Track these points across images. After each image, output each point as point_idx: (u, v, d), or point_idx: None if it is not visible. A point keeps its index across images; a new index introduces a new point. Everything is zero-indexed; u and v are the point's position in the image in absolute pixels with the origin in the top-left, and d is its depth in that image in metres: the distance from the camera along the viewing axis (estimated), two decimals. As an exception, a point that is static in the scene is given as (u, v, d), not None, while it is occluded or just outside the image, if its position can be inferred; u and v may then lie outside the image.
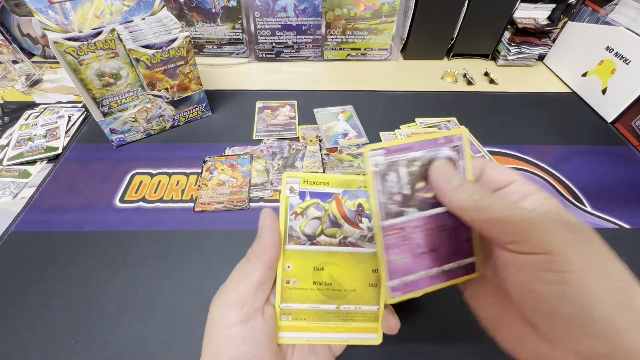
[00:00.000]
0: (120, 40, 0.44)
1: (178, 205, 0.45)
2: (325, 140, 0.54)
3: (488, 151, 0.52)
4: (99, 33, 0.43)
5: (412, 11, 0.67)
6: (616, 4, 0.61)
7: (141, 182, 0.48)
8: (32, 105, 0.60)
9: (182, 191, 0.47)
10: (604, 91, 0.61)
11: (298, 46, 0.72)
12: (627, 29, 0.57)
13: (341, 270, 0.23)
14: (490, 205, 0.17)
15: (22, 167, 0.49)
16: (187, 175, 0.49)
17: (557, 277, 0.15)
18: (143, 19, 0.47)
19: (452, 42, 0.73)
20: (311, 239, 0.22)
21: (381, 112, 0.61)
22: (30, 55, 0.71)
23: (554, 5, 0.68)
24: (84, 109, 0.59)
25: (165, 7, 0.48)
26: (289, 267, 0.22)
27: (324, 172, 0.49)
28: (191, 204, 0.45)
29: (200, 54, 0.74)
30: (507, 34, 0.70)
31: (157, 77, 0.49)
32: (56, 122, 0.55)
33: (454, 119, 0.58)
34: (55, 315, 0.35)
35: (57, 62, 0.67)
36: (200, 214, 0.44)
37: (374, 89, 0.66)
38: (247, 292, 0.21)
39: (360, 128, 0.56)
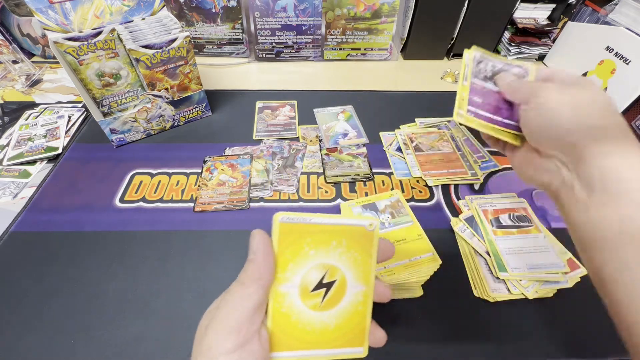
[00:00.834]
0: (120, 40, 0.44)
1: (178, 205, 0.45)
2: (325, 140, 0.54)
3: (488, 151, 0.52)
4: (99, 33, 0.43)
5: (412, 11, 0.67)
6: (616, 4, 0.61)
7: (141, 182, 0.48)
8: (32, 105, 0.60)
9: (182, 191, 0.47)
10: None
11: (298, 46, 0.72)
12: (627, 29, 0.57)
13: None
14: (516, 86, 0.29)
15: (22, 167, 0.49)
16: (187, 175, 0.49)
17: (540, 112, 0.25)
18: (143, 19, 0.47)
19: (452, 42, 0.73)
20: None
21: (381, 112, 0.61)
22: (30, 55, 0.71)
23: (554, 5, 0.68)
24: (84, 109, 0.59)
25: (165, 7, 0.48)
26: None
27: (323, 172, 0.49)
28: (191, 204, 0.45)
29: (200, 54, 0.74)
30: (507, 34, 0.71)
31: (157, 77, 0.49)
32: (56, 122, 0.55)
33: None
34: (55, 315, 0.35)
35: (57, 62, 0.67)
36: (200, 214, 0.44)
37: (374, 89, 0.66)
38: (245, 316, 0.20)
39: (360, 128, 0.56)
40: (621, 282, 0.21)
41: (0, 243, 0.41)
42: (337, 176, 0.49)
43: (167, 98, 0.52)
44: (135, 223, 0.43)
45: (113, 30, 0.44)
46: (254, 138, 0.55)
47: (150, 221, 0.43)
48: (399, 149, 0.53)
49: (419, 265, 0.37)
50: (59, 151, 0.51)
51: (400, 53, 0.76)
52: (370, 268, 0.23)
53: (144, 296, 0.37)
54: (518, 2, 0.66)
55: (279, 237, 0.21)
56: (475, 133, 0.55)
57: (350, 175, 0.49)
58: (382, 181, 0.49)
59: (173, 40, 0.46)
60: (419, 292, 0.37)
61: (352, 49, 0.73)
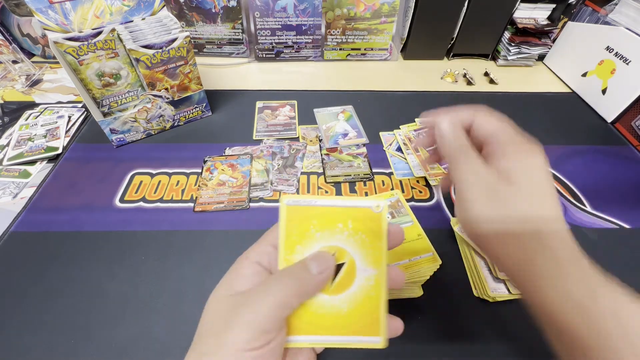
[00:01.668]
0: (120, 40, 0.44)
1: (178, 205, 0.45)
2: (325, 140, 0.54)
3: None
4: (99, 33, 0.43)
5: (412, 11, 0.67)
6: (616, 4, 0.61)
7: (141, 182, 0.48)
8: (32, 105, 0.60)
9: (182, 191, 0.47)
10: (604, 91, 0.61)
11: (298, 46, 0.72)
12: (627, 29, 0.57)
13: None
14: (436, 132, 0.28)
15: (22, 167, 0.49)
16: (187, 175, 0.49)
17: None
18: (143, 19, 0.47)
19: (452, 42, 0.73)
20: None
21: (381, 112, 0.61)
22: (30, 55, 0.71)
23: (554, 5, 0.68)
24: (84, 109, 0.59)
25: (165, 7, 0.48)
26: None
27: (323, 172, 0.49)
28: (191, 204, 0.45)
29: (200, 54, 0.74)
30: (507, 34, 0.70)
31: (157, 77, 0.49)
32: (56, 122, 0.55)
33: (454, 119, 0.58)
34: (55, 315, 0.35)
35: (57, 62, 0.67)
36: (200, 214, 0.44)
37: (374, 89, 0.66)
38: (277, 317, 0.20)
39: (360, 128, 0.56)
40: None
41: (0, 243, 0.41)
42: (337, 176, 0.49)
43: (167, 98, 0.52)
44: (135, 223, 0.43)
45: (113, 30, 0.44)
46: (254, 138, 0.55)
47: (150, 221, 0.43)
48: (399, 149, 0.53)
49: (419, 265, 0.37)
50: (59, 151, 0.51)
51: (400, 53, 0.76)
52: (380, 252, 0.22)
53: (144, 296, 0.37)
54: (518, 2, 0.66)
55: (286, 220, 0.21)
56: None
57: (350, 175, 0.49)
58: (382, 181, 0.49)
59: (173, 40, 0.46)
60: (419, 292, 0.37)
61: (352, 49, 0.73)
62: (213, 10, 0.66)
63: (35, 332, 0.34)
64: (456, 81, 0.70)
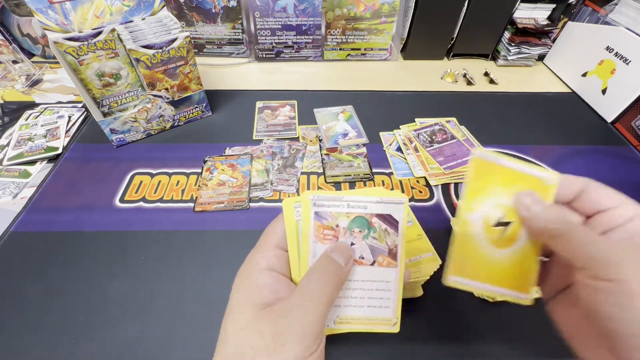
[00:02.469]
0: (120, 40, 0.44)
1: (178, 205, 0.45)
2: (325, 140, 0.54)
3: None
4: (99, 33, 0.43)
5: (412, 11, 0.67)
6: (616, 4, 0.61)
7: (141, 182, 0.48)
8: (32, 105, 0.60)
9: (182, 191, 0.47)
10: (604, 91, 0.61)
11: (298, 46, 0.72)
12: (627, 29, 0.57)
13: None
14: (565, 234, 0.19)
15: (22, 167, 0.49)
16: (187, 175, 0.49)
17: (622, 301, 0.16)
18: (143, 19, 0.47)
19: (452, 42, 0.73)
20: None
21: (381, 112, 0.61)
22: (30, 55, 0.71)
23: (554, 5, 0.68)
24: (84, 109, 0.59)
25: (165, 7, 0.48)
26: None
27: (323, 172, 0.49)
28: (191, 204, 0.45)
29: (200, 54, 0.74)
30: (507, 34, 0.70)
31: (157, 77, 0.49)
32: (56, 122, 0.55)
33: (454, 119, 0.58)
34: (55, 315, 0.35)
35: (57, 62, 0.67)
36: (200, 214, 0.44)
37: (374, 89, 0.66)
38: (324, 320, 0.21)
39: (360, 128, 0.56)
40: None
41: (0, 243, 0.41)
42: (337, 176, 0.49)
43: (167, 98, 0.52)
44: (136, 223, 0.43)
45: (113, 30, 0.44)
46: (254, 138, 0.55)
47: (151, 221, 0.43)
48: (399, 149, 0.53)
49: (419, 265, 0.37)
50: (59, 151, 0.51)
51: (400, 53, 0.76)
52: None
53: (144, 296, 0.37)
54: (518, 2, 0.66)
55: (473, 170, 0.23)
56: (475, 133, 0.55)
57: (350, 175, 0.49)
58: (382, 181, 0.49)
59: (173, 40, 0.46)
60: (419, 292, 0.37)
61: (352, 49, 0.73)
62: (213, 10, 0.66)
63: (35, 332, 0.34)
64: (456, 81, 0.70)
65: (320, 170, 0.50)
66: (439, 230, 0.43)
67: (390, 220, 0.24)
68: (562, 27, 0.69)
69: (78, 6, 0.41)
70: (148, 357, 0.33)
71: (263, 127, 0.56)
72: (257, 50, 0.72)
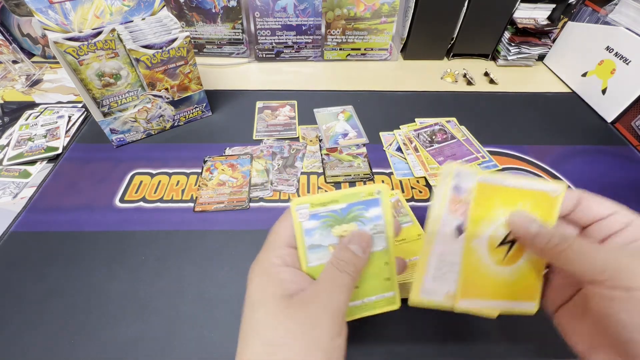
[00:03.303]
0: (120, 40, 0.44)
1: (178, 205, 0.45)
2: (325, 140, 0.54)
3: (488, 151, 0.52)
4: (99, 33, 0.43)
5: (412, 11, 0.67)
6: (616, 4, 0.61)
7: (141, 182, 0.48)
8: (32, 105, 0.60)
9: (182, 191, 0.47)
10: (604, 91, 0.61)
11: (298, 46, 0.72)
12: (627, 29, 0.57)
13: None
14: (567, 250, 0.19)
15: (22, 167, 0.49)
16: (187, 175, 0.49)
17: (637, 307, 0.16)
18: (143, 19, 0.47)
19: (452, 42, 0.73)
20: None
21: (381, 112, 0.61)
22: (30, 55, 0.71)
23: (554, 5, 0.68)
24: (84, 109, 0.59)
25: (165, 7, 0.48)
26: None
27: (323, 172, 0.49)
28: (191, 204, 0.45)
29: (200, 54, 0.74)
30: (507, 34, 0.70)
31: (157, 77, 0.49)
32: (56, 122, 0.55)
33: (454, 119, 0.58)
34: (55, 315, 0.35)
35: (57, 62, 0.67)
36: (200, 214, 0.44)
37: (374, 89, 0.66)
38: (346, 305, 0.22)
39: (360, 128, 0.56)
40: None
41: (0, 243, 0.41)
42: (337, 176, 0.49)
43: (167, 98, 0.52)
44: (136, 223, 0.43)
45: (113, 30, 0.44)
46: (254, 138, 0.55)
47: (151, 221, 0.43)
48: (399, 149, 0.53)
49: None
50: (59, 151, 0.51)
51: (400, 53, 0.76)
52: None
53: (144, 296, 0.37)
54: (518, 2, 0.66)
55: (476, 195, 0.23)
56: (475, 133, 0.55)
57: (350, 175, 0.49)
58: (382, 181, 0.49)
59: (173, 40, 0.46)
60: (419, 292, 0.37)
61: (352, 49, 0.73)
62: (213, 10, 0.66)
63: (35, 332, 0.34)
64: (456, 81, 0.70)
65: (320, 170, 0.50)
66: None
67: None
68: (562, 27, 0.69)
69: (78, 6, 0.41)
70: (148, 357, 0.33)
71: (263, 127, 0.56)
72: (257, 50, 0.72)
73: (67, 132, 0.54)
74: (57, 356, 0.32)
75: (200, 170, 0.49)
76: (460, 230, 0.23)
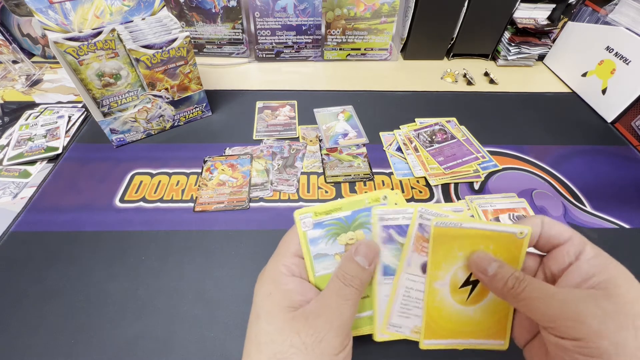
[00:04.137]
0: (120, 40, 0.44)
1: (178, 205, 0.45)
2: (325, 140, 0.54)
3: (488, 151, 0.52)
4: (99, 33, 0.43)
5: (412, 11, 0.67)
6: (616, 4, 0.61)
7: (141, 182, 0.48)
8: (32, 105, 0.60)
9: (182, 191, 0.47)
10: (604, 91, 0.61)
11: (298, 46, 0.72)
12: (627, 29, 0.57)
13: None
14: (522, 293, 0.20)
15: (22, 167, 0.49)
16: (187, 175, 0.49)
17: (590, 356, 0.17)
18: (143, 19, 0.47)
19: (452, 42, 0.73)
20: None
21: (381, 112, 0.61)
22: (30, 55, 0.71)
23: (554, 5, 0.68)
24: (84, 109, 0.59)
25: (165, 7, 0.48)
26: None
27: (324, 172, 0.49)
28: (191, 204, 0.45)
29: (200, 54, 0.74)
30: (507, 34, 0.70)
31: (157, 77, 0.49)
32: (56, 122, 0.55)
33: (454, 119, 0.58)
34: (55, 315, 0.35)
35: (57, 62, 0.67)
36: (200, 214, 0.44)
37: (374, 89, 0.66)
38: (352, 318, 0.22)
39: (360, 128, 0.56)
40: None
41: (0, 243, 0.41)
42: (337, 176, 0.49)
43: (167, 98, 0.52)
44: (136, 223, 0.43)
45: (113, 30, 0.44)
46: (254, 138, 0.55)
47: (150, 221, 0.43)
48: (399, 149, 0.53)
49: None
50: (59, 151, 0.51)
51: (400, 53, 0.76)
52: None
53: (144, 296, 0.37)
54: (518, 2, 0.66)
55: (433, 239, 0.23)
56: (475, 133, 0.55)
57: (350, 175, 0.49)
58: (382, 181, 0.49)
59: (173, 40, 0.46)
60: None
61: (352, 49, 0.73)
62: (213, 10, 0.66)
63: (35, 332, 0.34)
64: (456, 81, 0.70)
65: (320, 170, 0.50)
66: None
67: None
68: (562, 27, 0.69)
69: (78, 6, 0.41)
70: (148, 357, 0.33)
71: (263, 127, 0.56)
72: (257, 50, 0.72)
73: (67, 132, 0.54)
74: (57, 356, 0.32)
75: (200, 170, 0.49)
76: (424, 269, 0.24)
